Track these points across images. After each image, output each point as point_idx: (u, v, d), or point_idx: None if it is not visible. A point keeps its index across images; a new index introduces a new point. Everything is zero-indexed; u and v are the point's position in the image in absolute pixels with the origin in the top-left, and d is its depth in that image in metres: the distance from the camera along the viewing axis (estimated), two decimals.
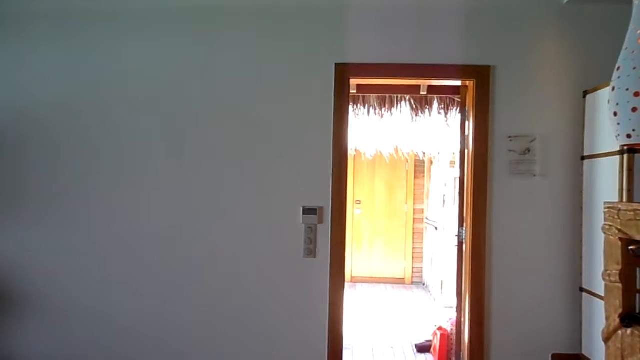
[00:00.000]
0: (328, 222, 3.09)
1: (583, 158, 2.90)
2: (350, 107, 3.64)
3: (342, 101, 3.06)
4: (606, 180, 2.55)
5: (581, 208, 2.91)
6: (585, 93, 2.91)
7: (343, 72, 3.05)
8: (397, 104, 4.13)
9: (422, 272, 7.38)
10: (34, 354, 3.26)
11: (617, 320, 1.64)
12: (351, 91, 3.30)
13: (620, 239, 1.65)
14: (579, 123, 2.96)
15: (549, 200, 3.02)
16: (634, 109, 1.58)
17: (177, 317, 3.16)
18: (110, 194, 3.18)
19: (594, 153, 2.76)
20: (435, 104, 4.19)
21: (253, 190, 3.12)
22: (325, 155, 3.08)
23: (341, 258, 3.10)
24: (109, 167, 3.18)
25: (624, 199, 2.17)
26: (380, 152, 6.04)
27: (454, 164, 5.79)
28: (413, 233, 7.39)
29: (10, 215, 3.26)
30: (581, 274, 2.89)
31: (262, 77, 3.11)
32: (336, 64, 3.05)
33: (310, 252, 3.10)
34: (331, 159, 3.08)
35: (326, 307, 3.08)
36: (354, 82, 3.35)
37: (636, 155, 2.25)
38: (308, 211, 3.09)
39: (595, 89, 2.78)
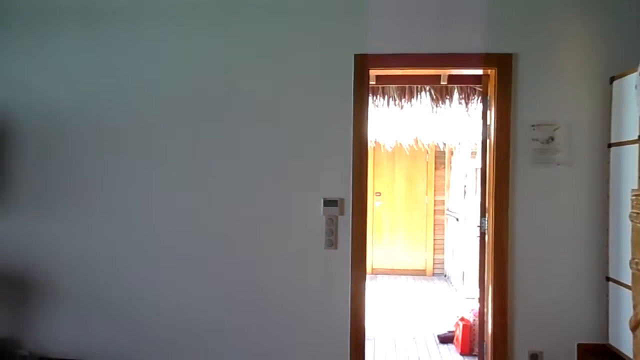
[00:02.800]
0: (349, 213, 3.09)
1: (610, 146, 2.84)
2: (370, 99, 3.62)
3: (361, 92, 3.04)
4: (633, 168, 2.49)
5: (608, 197, 2.85)
6: (613, 79, 2.84)
7: (362, 63, 3.03)
8: (417, 95, 4.10)
9: (443, 263, 7.34)
10: (58, 346, 3.33)
11: None
12: (370, 82, 3.28)
13: None
14: (605, 110, 2.90)
15: (574, 189, 2.97)
16: None
17: (198, 309, 3.19)
18: (132, 188, 3.23)
19: (621, 140, 2.70)
20: (456, 94, 4.15)
21: (274, 183, 3.13)
22: (346, 147, 3.07)
23: (362, 249, 3.10)
24: (131, 162, 3.22)
25: None
26: (400, 144, 6.00)
27: (475, 154, 5.73)
28: (434, 224, 7.34)
29: (35, 207, 3.33)
30: (607, 263, 2.84)
31: (280, 70, 3.11)
32: (355, 55, 3.03)
33: (332, 243, 3.11)
34: (351, 150, 3.07)
35: (348, 298, 3.09)
36: (373, 72, 3.33)
37: None
38: (329, 203, 3.09)
39: (622, 75, 2.72)
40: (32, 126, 3.32)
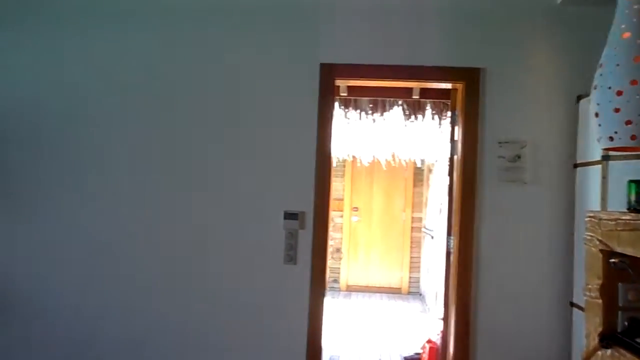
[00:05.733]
0: (310, 227, 2.98)
1: (576, 166, 2.77)
2: (342, 110, 3.54)
3: (326, 102, 2.95)
4: (597, 190, 2.42)
5: (573, 218, 2.78)
6: (579, 98, 2.78)
7: (329, 72, 2.94)
8: (389, 108, 4.02)
9: (419, 282, 7.23)
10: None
11: (597, 339, 1.50)
12: (342, 94, 3.20)
13: (602, 250, 1.52)
14: (572, 129, 2.84)
15: (540, 209, 2.89)
16: (617, 110, 1.45)
17: (160, 319, 3.04)
18: (104, 191, 3.08)
19: (587, 160, 2.63)
20: (429, 109, 4.07)
21: (234, 193, 3.01)
22: (308, 158, 2.97)
23: (322, 265, 2.98)
24: (104, 164, 3.08)
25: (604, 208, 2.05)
26: (377, 159, 5.92)
27: None
28: (411, 242, 7.24)
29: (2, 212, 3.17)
30: (572, 287, 2.75)
31: (244, 77, 3.01)
32: (321, 64, 2.94)
33: (291, 258, 2.99)
34: (314, 162, 2.97)
35: (306, 315, 2.96)
36: (344, 84, 3.25)
37: (620, 161, 2.11)
38: (289, 216, 2.98)
39: (588, 94, 2.64)
40: None
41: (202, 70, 3.02)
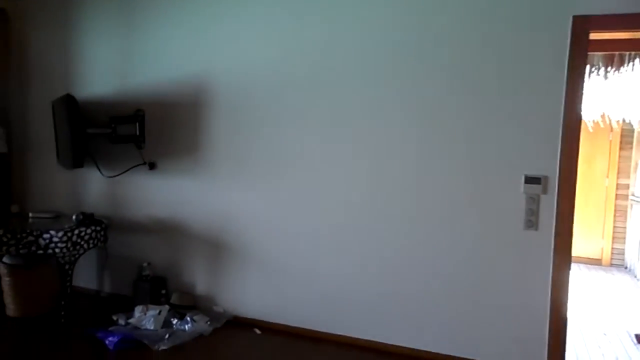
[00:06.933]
0: (554, 193, 2.83)
1: None
2: None
3: (578, 60, 2.74)
4: None
5: None
6: None
7: (582, 25, 2.71)
8: (630, 62, 3.60)
9: (623, 254, 6.58)
10: (253, 306, 3.55)
11: None
12: None
13: None
14: None
15: None
16: None
17: (381, 284, 3.20)
18: (312, 157, 3.32)
19: None
20: None
21: (468, 155, 2.97)
22: (554, 120, 2.81)
23: (568, 232, 2.83)
24: (314, 132, 3.32)
25: None
26: (583, 120, 5.39)
27: None
28: (615, 210, 6.59)
29: (229, 173, 3.56)
30: None
31: (482, 34, 2.91)
32: (574, 17, 2.71)
33: (532, 224, 2.88)
34: (560, 124, 2.79)
35: (548, 286, 2.85)
36: (599, 37, 2.97)
37: None
38: (531, 180, 2.87)
39: None
40: (227, 95, 3.53)
41: (438, 30, 2.98)
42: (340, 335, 3.31)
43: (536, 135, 2.85)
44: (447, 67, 2.98)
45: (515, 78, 2.86)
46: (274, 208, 3.44)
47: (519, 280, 2.92)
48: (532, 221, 2.88)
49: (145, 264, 3.78)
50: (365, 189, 3.20)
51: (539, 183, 2.85)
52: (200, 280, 3.75)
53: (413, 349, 3.15)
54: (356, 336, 3.27)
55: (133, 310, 3.50)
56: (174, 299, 3.70)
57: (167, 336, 3.21)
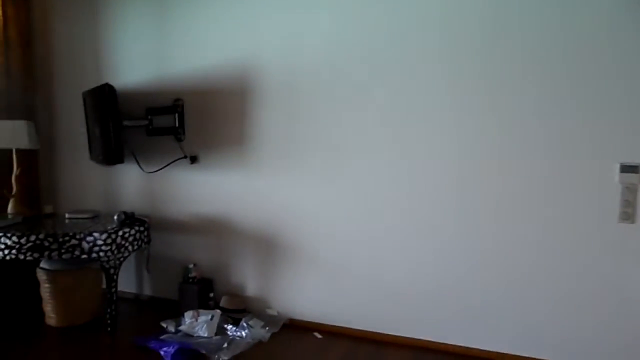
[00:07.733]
0: None
1: None
2: None
3: None
4: None
5: None
6: None
7: None
8: None
9: None
10: (309, 308, 3.31)
11: None
12: None
13: None
14: None
15: None
16: None
17: (458, 283, 2.95)
18: (383, 150, 3.03)
19: None
20: None
21: (557, 142, 2.71)
22: None
23: None
24: (368, 120, 3.06)
25: None
26: None
27: None
28: None
29: (287, 164, 3.29)
30: None
31: (580, 18, 2.63)
32: None
33: (628, 216, 2.63)
34: None
35: None
36: None
37: None
38: (627, 169, 2.61)
39: None
40: (275, 81, 3.27)
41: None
42: (408, 338, 3.08)
43: (633, 120, 2.58)
44: (536, 48, 2.70)
45: (612, 60, 2.59)
46: (330, 204, 3.19)
47: (615, 277, 2.67)
48: (628, 213, 2.63)
49: (191, 265, 3.53)
50: (440, 185, 2.94)
51: (637, 172, 2.60)
52: (250, 282, 3.50)
53: (491, 352, 2.92)
54: (428, 339, 3.04)
55: (180, 315, 3.27)
56: (223, 302, 3.45)
57: (225, 345, 2.97)
